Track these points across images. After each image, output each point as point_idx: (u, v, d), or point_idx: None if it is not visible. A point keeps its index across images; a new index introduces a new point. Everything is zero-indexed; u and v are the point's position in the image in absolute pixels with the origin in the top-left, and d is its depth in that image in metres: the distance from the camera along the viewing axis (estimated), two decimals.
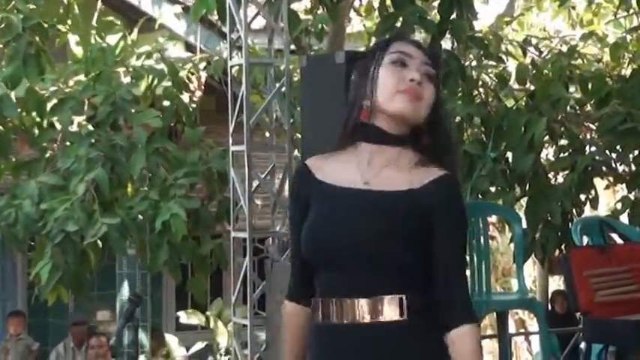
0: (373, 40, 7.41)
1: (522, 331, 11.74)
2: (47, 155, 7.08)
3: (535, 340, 10.91)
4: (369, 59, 2.73)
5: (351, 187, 2.69)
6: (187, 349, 9.87)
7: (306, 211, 2.72)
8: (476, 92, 7.56)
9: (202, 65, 7.79)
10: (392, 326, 2.62)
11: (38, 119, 6.99)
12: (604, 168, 7.21)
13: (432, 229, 2.64)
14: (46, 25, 6.89)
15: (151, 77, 7.12)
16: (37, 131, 7.07)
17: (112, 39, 7.34)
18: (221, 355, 9.30)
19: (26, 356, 10.06)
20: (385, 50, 2.72)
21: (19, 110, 6.86)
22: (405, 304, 2.61)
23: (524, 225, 6.62)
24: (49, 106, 6.94)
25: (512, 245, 7.36)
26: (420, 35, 7.08)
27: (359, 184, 2.68)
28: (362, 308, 2.62)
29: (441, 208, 2.65)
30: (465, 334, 2.62)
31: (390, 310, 2.61)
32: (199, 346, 9.83)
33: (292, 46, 7.18)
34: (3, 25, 6.79)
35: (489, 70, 7.86)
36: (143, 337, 9.20)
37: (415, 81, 2.66)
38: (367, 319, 2.62)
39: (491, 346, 9.38)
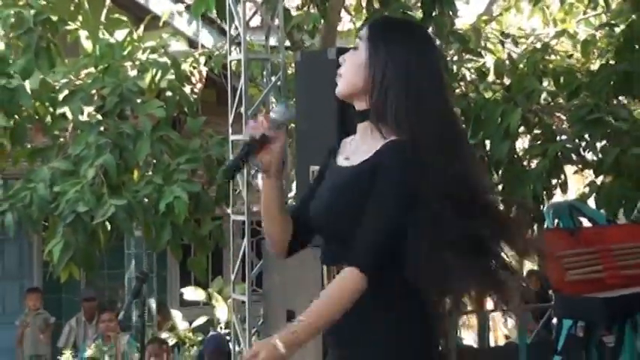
0: None
1: (498, 307, 11.70)
2: (59, 142, 7.08)
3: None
4: None
5: (338, 165, 2.71)
6: (190, 323, 9.88)
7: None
8: (456, 85, 7.55)
9: (203, 60, 7.76)
10: None
11: (51, 109, 6.97)
12: (573, 155, 7.21)
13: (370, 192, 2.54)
14: (55, 20, 6.88)
15: (155, 70, 7.07)
16: (49, 120, 7.04)
17: (119, 35, 7.30)
18: (221, 328, 9.30)
19: (44, 329, 10.06)
20: None
21: (33, 101, 6.84)
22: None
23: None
24: (60, 97, 6.90)
25: None
26: None
27: (344, 161, 2.69)
28: (329, 275, 2.64)
29: (378, 174, 2.54)
30: (342, 274, 2.53)
31: (325, 280, 2.64)
32: (201, 320, 9.83)
33: (287, 43, 7.16)
34: (15, 20, 6.77)
35: (469, 65, 7.86)
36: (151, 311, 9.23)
37: (340, 65, 2.65)
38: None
39: (470, 321, 9.39)
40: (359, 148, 2.64)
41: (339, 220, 2.59)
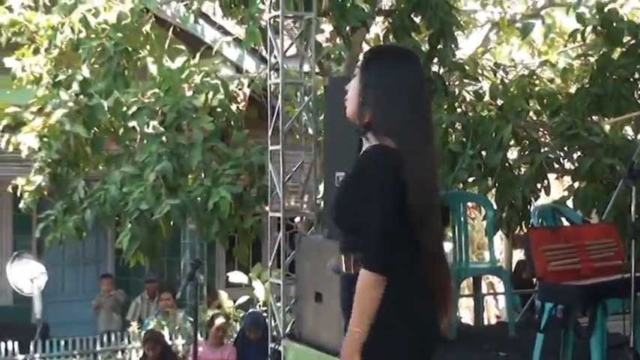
0: None
1: (492, 291, 11.67)
2: (129, 150, 7.11)
3: (501, 299, 10.84)
4: None
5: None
6: (234, 302, 9.87)
7: None
8: (457, 105, 7.52)
9: (247, 82, 7.77)
10: (347, 277, 2.62)
11: (122, 123, 7.01)
12: (555, 164, 7.16)
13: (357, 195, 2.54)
14: (130, 50, 6.91)
15: (207, 91, 7.09)
16: (121, 132, 7.08)
17: (179, 61, 7.33)
18: (259, 306, 9.28)
19: (115, 308, 10.10)
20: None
21: (108, 116, 6.87)
22: (351, 262, 2.60)
23: (494, 207, 6.59)
24: (130, 112, 6.95)
25: (484, 224, 7.34)
26: None
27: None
28: (344, 263, 2.66)
29: (356, 177, 2.56)
30: (359, 278, 2.51)
31: (344, 265, 2.64)
32: (243, 299, 9.82)
33: (317, 69, 7.16)
34: (99, 50, 6.81)
35: (468, 88, 7.82)
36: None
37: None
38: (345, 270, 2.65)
39: (467, 303, 9.33)
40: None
41: (343, 215, 2.63)
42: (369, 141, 2.60)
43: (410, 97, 2.58)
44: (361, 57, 2.69)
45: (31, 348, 8.98)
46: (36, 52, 7.25)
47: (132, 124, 6.88)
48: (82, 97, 6.75)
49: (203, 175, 6.79)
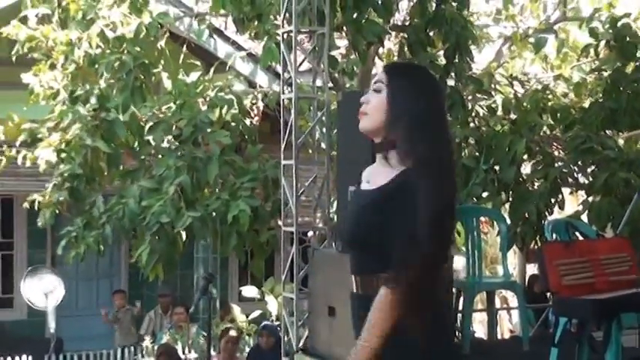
0: None
1: (505, 306, 11.65)
2: (145, 165, 7.15)
3: (514, 313, 10.82)
4: None
5: (362, 189, 2.67)
6: (247, 316, 9.88)
7: None
8: (471, 119, 7.54)
9: (260, 97, 7.81)
10: (366, 299, 2.53)
11: (139, 137, 7.06)
12: (569, 178, 7.17)
13: (393, 216, 2.48)
14: (148, 64, 6.98)
15: (222, 106, 7.14)
16: (137, 147, 7.14)
17: (193, 76, 7.38)
18: (272, 320, 9.29)
19: (132, 322, 10.14)
20: None
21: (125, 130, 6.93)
22: (377, 283, 2.49)
23: (508, 222, 6.60)
24: (146, 127, 7.01)
25: (498, 239, 7.34)
26: None
27: (366, 185, 2.65)
28: (355, 283, 2.60)
29: (396, 197, 2.49)
30: (380, 295, 2.47)
31: (366, 286, 2.56)
32: (256, 313, 9.83)
33: (330, 84, 7.21)
34: (117, 64, 6.88)
35: (482, 103, 7.84)
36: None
37: (362, 103, 2.60)
38: (357, 291, 2.59)
39: (481, 317, 9.32)
40: (379, 173, 2.61)
41: (359, 237, 2.56)
42: (387, 160, 2.58)
43: (436, 121, 2.59)
44: (381, 71, 2.66)
45: None
46: (52, 67, 7.32)
47: (148, 138, 6.92)
48: (99, 111, 6.80)
49: (220, 189, 6.81)
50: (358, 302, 2.60)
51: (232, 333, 8.35)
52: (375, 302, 2.47)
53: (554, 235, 5.06)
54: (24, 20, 7.35)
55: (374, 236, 2.51)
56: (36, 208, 7.29)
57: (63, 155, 6.82)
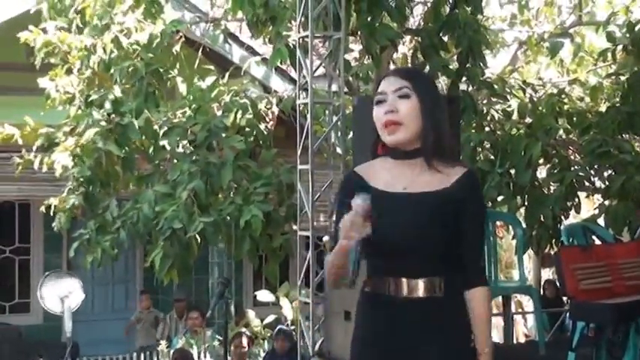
0: None
1: (520, 310, 11.60)
2: (160, 169, 7.14)
3: (529, 317, 10.78)
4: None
5: (396, 192, 2.59)
6: (262, 321, 9.87)
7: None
8: (486, 123, 7.52)
9: (275, 102, 7.81)
10: (430, 301, 2.56)
11: (153, 142, 7.07)
12: (585, 182, 7.13)
13: (462, 216, 2.55)
14: (161, 70, 6.99)
15: (237, 110, 7.13)
16: (152, 151, 7.15)
17: (208, 81, 7.39)
18: (288, 325, 9.28)
19: (154, 324, 10.16)
20: (375, 92, 2.66)
21: (140, 135, 6.94)
22: (442, 284, 2.54)
23: (523, 226, 6.57)
24: (161, 132, 7.01)
25: (513, 243, 7.31)
26: (442, 79, 7.08)
27: (399, 189, 2.58)
28: (412, 286, 2.56)
29: (469, 197, 2.56)
30: (477, 296, 2.57)
31: (431, 289, 2.55)
32: (271, 318, 9.82)
33: (345, 89, 7.20)
34: (131, 70, 6.90)
35: (497, 107, 7.82)
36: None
37: (388, 112, 2.55)
38: (417, 294, 2.56)
39: (496, 322, 9.28)
40: (418, 179, 2.58)
41: (431, 236, 2.55)
42: (430, 165, 2.57)
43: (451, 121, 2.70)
44: (396, 76, 2.61)
45: None
46: (69, 72, 7.36)
47: (163, 143, 6.93)
48: (114, 116, 6.82)
49: (233, 194, 6.81)
50: (421, 306, 2.57)
51: (243, 338, 8.34)
52: (479, 302, 2.57)
53: (570, 239, 5.04)
54: (43, 31, 7.40)
55: (443, 238, 2.54)
56: (52, 212, 7.32)
57: (77, 160, 6.84)
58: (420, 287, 2.56)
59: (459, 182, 2.56)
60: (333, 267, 2.60)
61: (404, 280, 2.57)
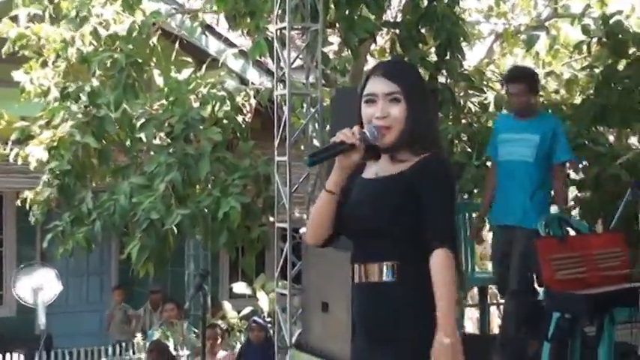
0: None
1: (496, 302, 11.71)
2: (137, 161, 7.16)
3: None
4: (359, 96, 2.70)
5: (369, 178, 2.69)
6: (238, 313, 9.90)
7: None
8: (463, 116, 7.58)
9: (252, 94, 7.82)
10: (387, 286, 2.57)
11: (130, 134, 7.06)
12: None
13: (420, 198, 2.55)
14: (140, 62, 6.99)
15: (214, 102, 7.15)
16: (129, 143, 7.14)
17: (185, 73, 7.39)
18: (264, 317, 9.31)
19: (126, 320, 10.15)
20: (363, 90, 2.68)
21: (117, 127, 6.93)
22: (396, 270, 2.55)
23: None
24: (138, 124, 7.01)
25: (490, 235, 7.38)
26: (420, 72, 7.13)
27: (373, 176, 2.68)
28: (369, 271, 2.60)
29: (424, 177, 2.57)
30: (435, 261, 2.50)
31: (386, 274, 2.57)
32: (247, 310, 9.86)
33: (323, 81, 7.23)
34: (110, 62, 6.89)
35: (473, 99, 7.89)
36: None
37: (380, 117, 2.60)
38: (372, 279, 2.59)
39: (472, 313, 9.35)
40: (386, 168, 2.66)
41: (387, 220, 2.57)
42: (396, 157, 2.64)
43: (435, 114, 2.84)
44: (390, 80, 2.66)
45: (36, 359, 9.01)
46: (44, 65, 7.33)
47: (139, 135, 6.93)
48: (90, 108, 6.81)
49: (211, 186, 6.83)
50: (376, 291, 2.59)
51: (217, 330, 8.36)
52: (435, 267, 2.49)
53: (547, 230, 5.11)
54: (15, 19, 7.35)
55: (396, 221, 2.55)
56: (27, 205, 7.30)
57: (53, 152, 6.82)
58: (374, 272, 2.60)
59: (413, 167, 2.60)
60: (315, 210, 2.70)
61: (363, 265, 2.64)
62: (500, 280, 5.29)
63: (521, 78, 5.05)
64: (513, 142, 5.11)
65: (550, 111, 7.47)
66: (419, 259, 2.54)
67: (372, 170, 2.71)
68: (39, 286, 9.14)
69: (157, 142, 6.99)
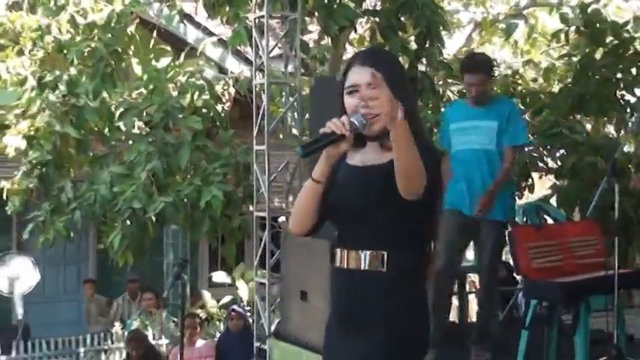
0: None
1: (474, 290, 11.78)
2: (115, 151, 7.15)
3: None
4: (341, 86, 2.69)
5: (356, 166, 2.68)
6: (217, 302, 9.90)
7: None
8: (442, 104, 7.61)
9: (231, 83, 7.82)
10: (366, 274, 2.58)
11: (109, 123, 7.05)
12: (538, 162, 7.27)
13: None
14: (119, 51, 6.97)
15: (193, 91, 7.14)
16: (107, 133, 7.12)
17: (164, 62, 7.38)
18: (243, 306, 9.33)
19: (101, 312, 10.14)
20: (345, 80, 2.67)
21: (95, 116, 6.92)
22: (385, 259, 2.56)
23: None
24: (117, 113, 7.00)
25: None
26: (401, 59, 7.15)
27: (360, 164, 2.67)
28: (350, 257, 2.61)
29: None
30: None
31: (367, 262, 2.58)
32: (227, 299, 9.86)
33: (302, 70, 7.24)
34: (88, 50, 6.86)
35: (452, 88, 7.92)
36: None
37: (364, 106, 2.57)
38: (352, 266, 2.60)
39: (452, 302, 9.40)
40: (375, 156, 2.65)
41: (374, 206, 2.58)
42: (383, 145, 2.63)
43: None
44: (370, 67, 2.64)
45: (13, 349, 8.99)
46: (20, 53, 7.29)
47: (118, 124, 6.92)
48: (69, 97, 6.79)
49: (191, 175, 6.83)
50: (364, 279, 2.59)
51: (195, 319, 8.38)
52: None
53: (524, 219, 5.15)
54: None
55: (385, 206, 2.54)
56: (4, 195, 7.27)
57: (33, 142, 6.80)
58: (355, 258, 2.61)
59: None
60: (300, 199, 2.69)
61: (345, 250, 2.65)
62: (448, 265, 5.03)
63: (479, 68, 4.92)
64: (470, 129, 4.91)
65: (528, 99, 7.53)
66: (402, 249, 2.57)
67: (357, 157, 2.70)
68: (15, 276, 9.11)
69: (136, 131, 6.98)
